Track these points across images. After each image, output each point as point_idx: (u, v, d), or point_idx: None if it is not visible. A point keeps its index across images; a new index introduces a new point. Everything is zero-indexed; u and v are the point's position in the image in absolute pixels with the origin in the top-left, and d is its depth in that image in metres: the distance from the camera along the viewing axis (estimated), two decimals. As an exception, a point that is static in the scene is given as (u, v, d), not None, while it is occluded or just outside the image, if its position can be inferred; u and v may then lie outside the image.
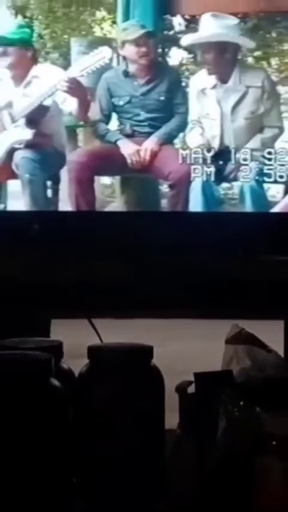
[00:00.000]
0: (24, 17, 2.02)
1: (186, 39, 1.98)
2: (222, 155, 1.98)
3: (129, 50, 2.01)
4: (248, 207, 1.97)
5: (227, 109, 1.99)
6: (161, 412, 1.77)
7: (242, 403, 1.68)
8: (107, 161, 2.03)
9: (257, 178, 1.97)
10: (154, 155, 2.01)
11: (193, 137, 2.00)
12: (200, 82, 2.00)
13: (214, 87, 2.00)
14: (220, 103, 2.00)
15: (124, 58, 2.02)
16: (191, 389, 1.80)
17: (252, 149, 1.98)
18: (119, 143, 2.01)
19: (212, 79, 2.00)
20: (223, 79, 1.99)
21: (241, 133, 1.98)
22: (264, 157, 1.97)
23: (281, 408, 1.67)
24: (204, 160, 1.98)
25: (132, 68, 2.03)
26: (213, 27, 1.97)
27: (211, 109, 2.00)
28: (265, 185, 1.97)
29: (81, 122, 2.05)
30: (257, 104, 1.98)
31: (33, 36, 2.02)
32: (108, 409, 1.72)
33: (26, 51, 2.02)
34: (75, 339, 2.41)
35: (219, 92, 2.00)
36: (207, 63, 1.99)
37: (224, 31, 1.96)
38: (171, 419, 1.82)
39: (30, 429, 1.66)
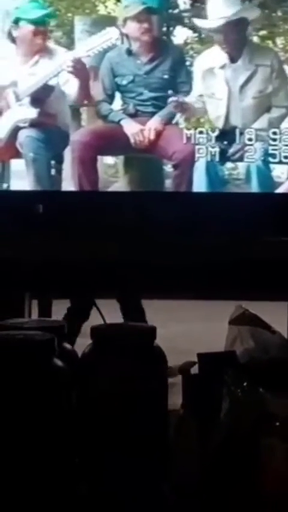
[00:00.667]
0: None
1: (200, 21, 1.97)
2: (227, 135, 1.97)
3: (131, 27, 1.99)
4: (254, 187, 1.96)
5: (235, 88, 1.98)
6: (164, 392, 1.77)
7: (245, 384, 1.68)
8: (110, 141, 2.02)
9: (262, 158, 1.96)
10: (158, 135, 2.00)
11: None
12: (207, 62, 1.99)
13: (223, 66, 1.98)
14: (229, 83, 1.99)
15: (127, 37, 2.00)
16: (195, 370, 1.80)
17: (258, 129, 1.97)
18: (122, 122, 2.00)
19: (221, 58, 1.98)
20: (233, 58, 1.98)
21: (248, 112, 1.97)
22: (269, 137, 1.96)
23: (284, 389, 1.67)
24: (209, 139, 1.97)
25: (135, 46, 2.01)
26: (224, 4, 1.96)
27: (218, 89, 1.99)
28: (271, 166, 1.96)
29: (85, 102, 2.03)
30: (266, 83, 1.97)
31: (51, 16, 2.01)
32: (112, 389, 1.72)
33: (37, 30, 2.01)
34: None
35: (228, 71, 1.99)
36: (218, 42, 1.98)
37: (235, 8, 1.95)
38: (175, 400, 1.82)
39: (34, 409, 1.66)
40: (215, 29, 1.98)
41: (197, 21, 1.98)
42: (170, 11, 2.01)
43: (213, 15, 1.97)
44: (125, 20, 1.99)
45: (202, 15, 1.98)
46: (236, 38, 1.97)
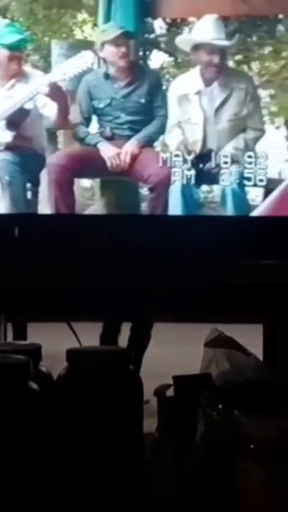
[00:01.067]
0: (5, 17, 2.01)
1: (179, 40, 1.99)
2: (203, 158, 1.98)
3: (109, 51, 2.01)
4: (229, 210, 1.97)
5: (210, 112, 2.00)
6: (139, 415, 1.77)
7: (220, 406, 1.68)
8: (86, 163, 2.03)
9: (237, 181, 1.98)
10: (134, 158, 2.01)
11: (173, 140, 2.00)
12: (182, 87, 2.00)
13: (198, 92, 2.00)
14: (203, 107, 2.00)
15: (104, 61, 2.02)
16: (170, 392, 1.80)
17: (233, 153, 1.98)
18: (99, 146, 2.01)
19: (196, 83, 2.00)
20: (208, 81, 2.00)
21: (224, 135, 1.99)
22: (244, 160, 1.97)
23: (259, 411, 1.67)
24: (185, 162, 1.98)
25: (112, 70, 2.03)
26: (204, 29, 1.97)
27: (193, 114, 2.00)
28: (246, 189, 1.97)
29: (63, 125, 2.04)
30: (241, 106, 1.99)
31: (27, 41, 2.02)
32: (87, 412, 1.72)
33: (13, 55, 2.02)
34: (54, 342, 2.40)
35: (204, 96, 2.00)
36: (195, 65, 1.99)
37: (213, 34, 1.97)
38: (150, 423, 1.82)
39: (9, 432, 1.65)
40: (192, 52, 1.99)
41: (176, 43, 1.99)
42: (146, 35, 2.02)
43: (190, 40, 1.99)
44: (103, 44, 2.00)
45: (178, 39, 1.99)
46: (212, 62, 1.99)
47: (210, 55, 1.99)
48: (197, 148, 1.99)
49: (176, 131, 2.01)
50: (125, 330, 4.11)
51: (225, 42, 1.97)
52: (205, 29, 1.98)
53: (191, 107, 2.00)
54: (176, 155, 1.98)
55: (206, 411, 1.68)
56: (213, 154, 1.98)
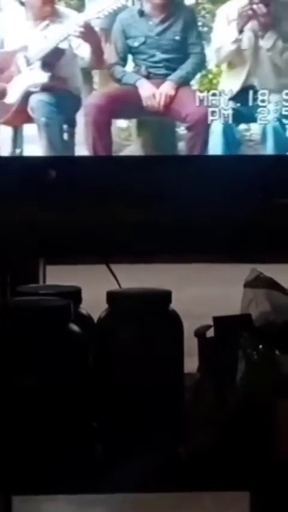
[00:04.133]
0: None
1: None
2: (241, 96, 1.96)
3: None
4: (269, 148, 1.95)
5: (262, 48, 1.96)
6: (180, 356, 1.77)
7: (261, 347, 1.68)
8: (124, 103, 2.01)
9: (276, 119, 1.95)
10: (171, 98, 1.98)
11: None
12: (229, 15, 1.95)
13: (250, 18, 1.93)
14: (257, 39, 1.96)
15: (139, -4, 1.98)
16: (210, 333, 1.80)
17: (272, 90, 1.95)
18: (137, 84, 1.99)
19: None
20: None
21: (269, 72, 1.96)
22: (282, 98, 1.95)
23: (300, 351, 1.66)
24: (222, 101, 1.95)
25: (147, 6, 1.99)
26: None
27: (242, 49, 1.96)
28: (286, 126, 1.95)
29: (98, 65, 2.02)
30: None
31: None
32: (128, 354, 1.73)
33: None
34: (94, 285, 2.41)
35: (255, 25, 1.95)
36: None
37: None
38: (191, 363, 1.83)
39: (51, 374, 1.67)
40: None
41: None
42: None
43: None
44: None
45: None
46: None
47: None
48: (238, 85, 1.96)
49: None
50: (143, 271, 4.10)
51: None
52: None
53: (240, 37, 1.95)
54: (214, 94, 1.96)
55: (247, 351, 1.68)
56: (251, 92, 1.95)
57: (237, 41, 1.97)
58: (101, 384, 1.74)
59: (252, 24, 1.96)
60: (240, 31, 1.96)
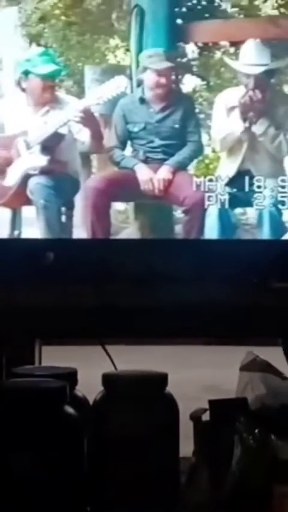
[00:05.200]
0: (39, 45, 2.03)
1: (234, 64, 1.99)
2: (238, 181, 1.99)
3: (150, 78, 2.01)
4: (265, 232, 1.97)
5: (255, 135, 2.00)
6: (175, 440, 1.76)
7: (257, 431, 1.67)
8: (122, 187, 2.04)
9: (272, 204, 1.98)
10: (168, 183, 2.01)
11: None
12: (227, 102, 2.00)
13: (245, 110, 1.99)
14: (250, 128, 2.00)
15: (140, 83, 2.02)
16: (206, 417, 1.79)
17: (267, 176, 1.98)
18: (136, 168, 2.02)
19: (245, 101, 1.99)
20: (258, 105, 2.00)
21: (262, 159, 1.99)
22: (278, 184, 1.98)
23: (296, 436, 1.66)
24: (219, 187, 1.98)
25: (148, 94, 2.03)
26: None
27: (238, 136, 2.00)
28: (282, 211, 1.97)
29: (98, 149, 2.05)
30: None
31: (61, 70, 2.03)
32: (123, 437, 1.72)
33: (50, 83, 2.03)
34: (90, 366, 2.41)
35: (250, 111, 2.00)
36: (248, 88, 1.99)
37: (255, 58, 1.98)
38: (186, 447, 1.82)
39: (46, 456, 1.66)
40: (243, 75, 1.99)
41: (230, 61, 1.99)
42: (179, 59, 2.03)
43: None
44: (145, 69, 2.01)
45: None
46: (262, 84, 1.99)
47: (250, 78, 1.99)
48: (233, 171, 1.99)
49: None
50: (139, 353, 4.08)
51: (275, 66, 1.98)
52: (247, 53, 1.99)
53: (236, 126, 2.00)
54: (210, 180, 1.99)
55: (243, 435, 1.67)
56: (247, 178, 1.98)
57: (233, 127, 2.01)
58: (95, 467, 1.72)
59: (247, 110, 2.00)
60: (237, 117, 2.01)
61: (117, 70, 2.02)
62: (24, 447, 1.64)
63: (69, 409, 1.70)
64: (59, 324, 1.83)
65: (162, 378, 1.79)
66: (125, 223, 2.05)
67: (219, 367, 4.07)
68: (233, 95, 2.00)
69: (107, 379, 1.78)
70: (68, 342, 2.17)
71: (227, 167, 2.00)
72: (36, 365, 2.34)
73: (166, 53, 2.01)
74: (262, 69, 1.98)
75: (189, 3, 2.01)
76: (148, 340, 2.26)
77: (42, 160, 2.04)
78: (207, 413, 1.78)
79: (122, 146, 2.04)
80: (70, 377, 1.86)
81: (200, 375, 4.89)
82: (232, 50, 2.01)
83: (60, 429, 1.67)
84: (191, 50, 2.02)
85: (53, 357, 2.49)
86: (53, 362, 2.11)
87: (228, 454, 1.68)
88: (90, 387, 1.88)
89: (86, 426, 1.72)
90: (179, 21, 2.01)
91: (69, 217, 2.03)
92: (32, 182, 2.03)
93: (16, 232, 2.04)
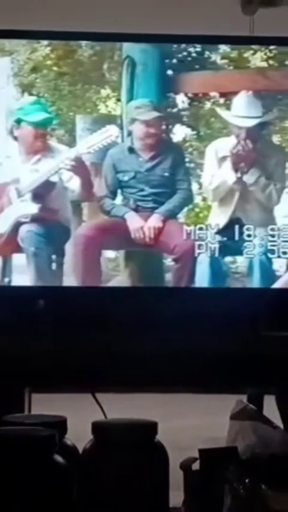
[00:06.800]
0: (31, 94, 2.05)
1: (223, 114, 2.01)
2: (228, 230, 2.00)
3: (138, 129, 2.03)
4: (256, 281, 1.98)
5: (246, 184, 2.02)
6: (165, 489, 1.75)
7: (247, 481, 1.66)
8: (113, 235, 2.04)
9: (262, 253, 1.99)
10: (158, 231, 2.02)
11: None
12: (218, 152, 2.02)
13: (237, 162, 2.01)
14: (242, 178, 2.02)
15: (130, 133, 2.04)
16: (196, 466, 1.78)
17: (257, 225, 2.00)
18: (126, 216, 2.03)
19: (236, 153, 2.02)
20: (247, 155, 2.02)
21: (252, 209, 2.01)
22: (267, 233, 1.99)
23: (286, 485, 1.65)
24: (209, 235, 1.99)
25: (137, 144, 2.05)
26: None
27: (229, 185, 2.02)
28: (271, 260, 1.98)
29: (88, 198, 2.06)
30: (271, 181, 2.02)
31: (52, 119, 2.04)
32: (113, 486, 1.71)
33: (41, 131, 2.04)
34: (79, 415, 2.39)
35: (241, 161, 2.02)
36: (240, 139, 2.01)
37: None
38: (176, 496, 1.80)
39: (34, 505, 1.64)
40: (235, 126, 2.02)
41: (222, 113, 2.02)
42: (169, 109, 2.05)
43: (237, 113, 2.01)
44: (133, 120, 2.03)
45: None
46: (253, 135, 2.01)
47: (242, 129, 2.02)
48: (224, 220, 2.01)
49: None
50: (129, 401, 4.08)
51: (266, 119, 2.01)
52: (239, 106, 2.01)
53: (228, 176, 2.02)
54: (200, 229, 2.00)
55: (233, 485, 1.66)
56: (237, 227, 2.00)
57: (225, 177, 2.03)
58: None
59: (239, 160, 2.02)
60: (229, 168, 2.03)
61: (108, 119, 2.04)
62: (13, 495, 1.63)
63: (58, 458, 1.69)
64: (48, 372, 1.83)
65: (152, 427, 1.78)
66: (116, 271, 2.05)
67: (209, 415, 4.05)
68: (224, 145, 2.02)
69: (96, 427, 1.77)
70: (58, 389, 2.16)
71: (219, 217, 2.01)
72: (26, 412, 2.33)
73: (153, 103, 2.03)
74: (255, 122, 2.01)
75: (180, 55, 2.04)
76: (138, 388, 2.25)
77: (34, 208, 2.05)
78: (198, 462, 1.77)
79: (113, 195, 2.05)
80: (59, 425, 1.86)
81: (191, 423, 4.86)
82: (222, 100, 2.03)
83: (49, 478, 1.66)
84: (181, 100, 2.04)
85: (43, 405, 2.48)
86: (43, 409, 2.10)
87: (219, 503, 1.67)
88: (79, 435, 1.87)
89: (75, 475, 1.71)
90: (169, 72, 2.04)
91: (60, 264, 2.04)
92: (23, 230, 2.04)
93: (6, 280, 2.04)
